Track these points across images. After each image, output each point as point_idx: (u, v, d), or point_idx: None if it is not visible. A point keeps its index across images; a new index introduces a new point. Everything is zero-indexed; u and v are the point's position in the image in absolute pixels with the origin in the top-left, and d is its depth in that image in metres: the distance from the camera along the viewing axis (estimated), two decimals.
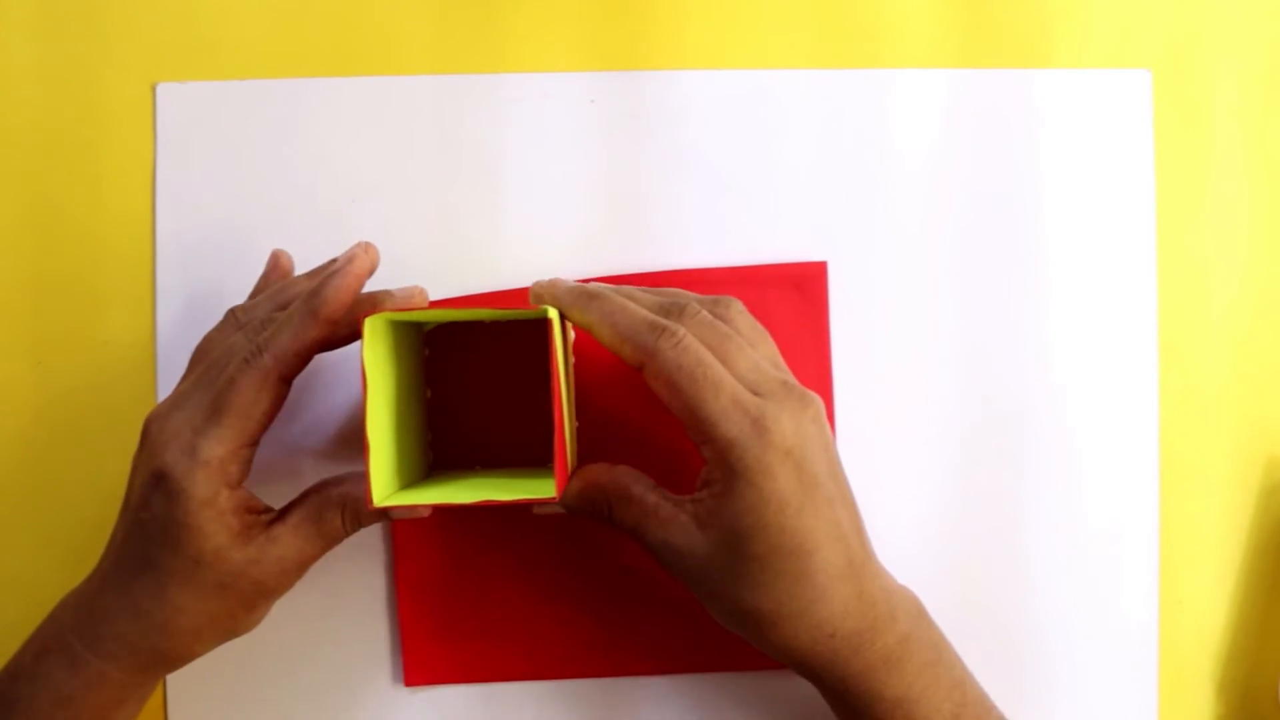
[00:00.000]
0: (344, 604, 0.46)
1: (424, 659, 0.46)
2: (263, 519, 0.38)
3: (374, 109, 0.47)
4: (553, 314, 0.37)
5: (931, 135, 0.49)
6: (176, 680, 0.46)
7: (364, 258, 0.38)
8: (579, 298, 0.38)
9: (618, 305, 0.37)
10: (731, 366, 0.37)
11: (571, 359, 0.46)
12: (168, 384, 0.46)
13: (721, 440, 0.35)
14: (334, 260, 0.39)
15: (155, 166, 0.47)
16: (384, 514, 0.38)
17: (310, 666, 0.46)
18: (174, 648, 0.38)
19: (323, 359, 0.46)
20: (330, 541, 0.39)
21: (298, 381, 0.38)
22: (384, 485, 0.38)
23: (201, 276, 0.47)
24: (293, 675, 0.46)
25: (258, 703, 0.46)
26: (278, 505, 0.39)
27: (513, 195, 0.48)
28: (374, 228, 0.47)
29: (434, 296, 0.47)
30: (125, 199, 0.47)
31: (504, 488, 0.39)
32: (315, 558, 0.39)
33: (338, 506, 0.38)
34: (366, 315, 0.36)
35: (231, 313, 0.41)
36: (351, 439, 0.46)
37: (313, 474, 0.46)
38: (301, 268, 0.46)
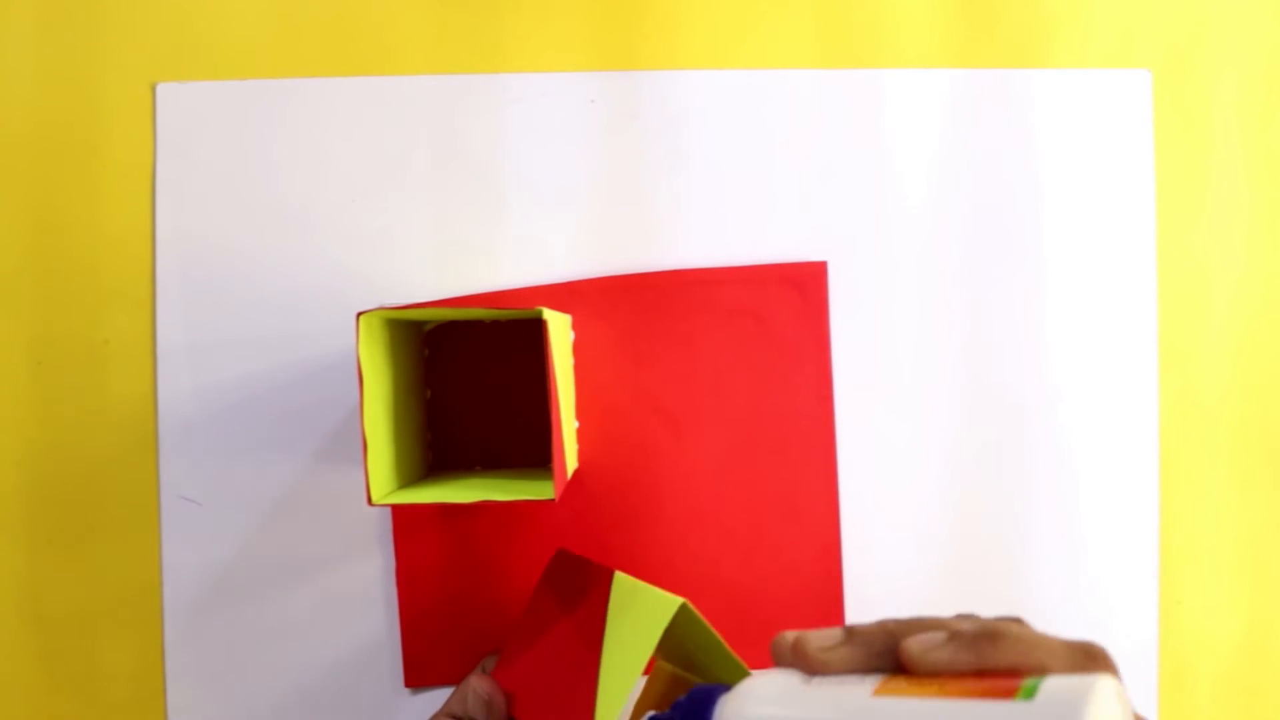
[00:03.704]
0: (344, 605, 0.46)
1: (424, 659, 0.46)
2: None
3: (374, 109, 0.47)
4: (547, 314, 0.37)
5: (931, 135, 0.49)
6: (177, 680, 0.46)
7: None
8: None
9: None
10: None
11: (571, 360, 0.46)
12: (168, 384, 0.46)
13: None
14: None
15: (155, 166, 0.47)
16: None
17: (311, 667, 0.46)
18: None
19: (321, 359, 0.46)
20: None
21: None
22: (382, 483, 0.38)
23: (201, 276, 0.46)
24: (293, 675, 0.46)
25: (258, 703, 0.46)
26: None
27: (513, 195, 0.48)
28: (374, 228, 0.47)
29: (434, 297, 0.47)
30: (125, 199, 0.47)
31: (503, 488, 0.39)
32: None
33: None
34: (362, 314, 0.36)
35: None
36: (350, 438, 0.46)
37: (312, 473, 0.46)
38: (300, 267, 0.46)
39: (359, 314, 0.36)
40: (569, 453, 0.42)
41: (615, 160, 0.48)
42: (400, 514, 0.47)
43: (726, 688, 0.29)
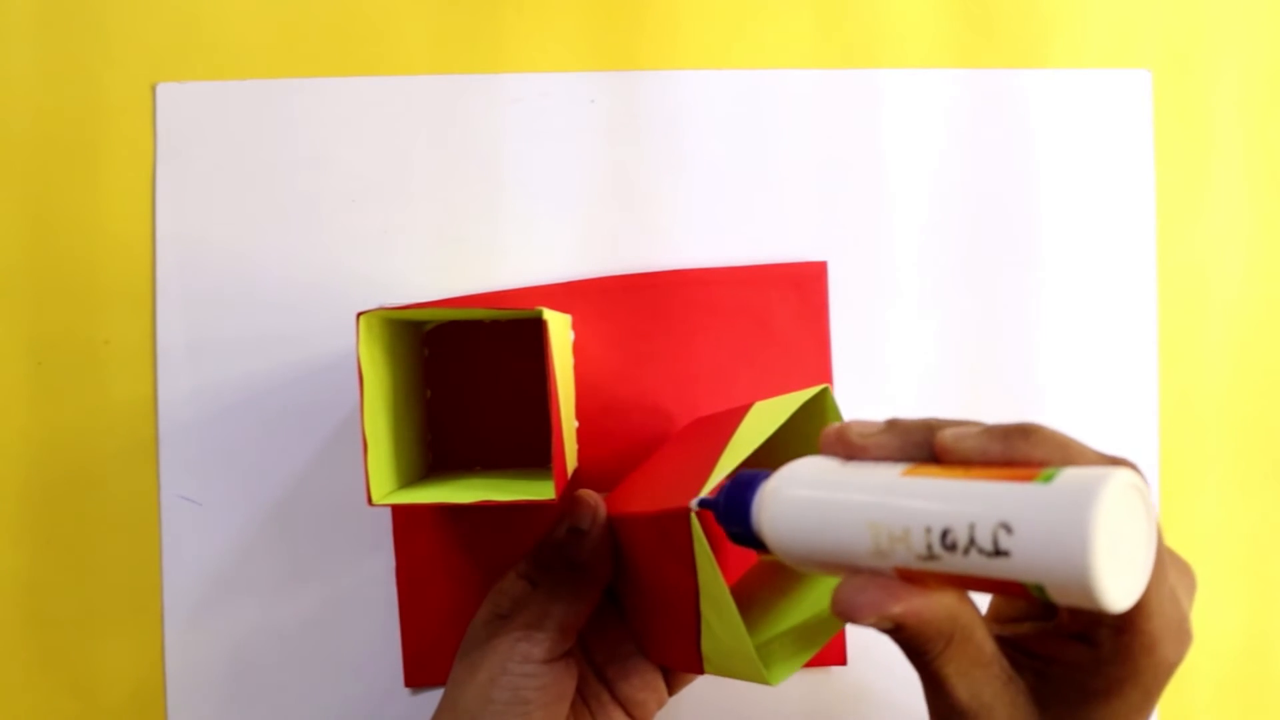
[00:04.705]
0: (344, 605, 0.46)
1: (424, 659, 0.46)
2: None
3: (374, 109, 0.47)
4: (548, 314, 0.37)
5: (931, 135, 0.49)
6: (177, 680, 0.46)
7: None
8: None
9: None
10: None
11: (571, 360, 0.46)
12: (168, 384, 0.46)
13: (1159, 626, 0.27)
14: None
15: (155, 166, 0.47)
16: None
17: (310, 667, 0.46)
18: None
19: (321, 359, 0.46)
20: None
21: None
22: (382, 484, 0.38)
23: (201, 276, 0.47)
24: (293, 676, 0.46)
25: (257, 703, 0.46)
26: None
27: (513, 195, 0.48)
28: (374, 228, 0.47)
29: (434, 296, 0.47)
30: (125, 199, 0.47)
31: (503, 488, 0.39)
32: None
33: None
34: (362, 314, 0.36)
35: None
36: (350, 438, 0.46)
37: (312, 473, 0.46)
38: (300, 267, 0.46)
39: (359, 314, 0.36)
40: (569, 453, 0.42)
41: (615, 160, 0.48)
42: (400, 514, 0.47)
43: (768, 472, 0.31)
